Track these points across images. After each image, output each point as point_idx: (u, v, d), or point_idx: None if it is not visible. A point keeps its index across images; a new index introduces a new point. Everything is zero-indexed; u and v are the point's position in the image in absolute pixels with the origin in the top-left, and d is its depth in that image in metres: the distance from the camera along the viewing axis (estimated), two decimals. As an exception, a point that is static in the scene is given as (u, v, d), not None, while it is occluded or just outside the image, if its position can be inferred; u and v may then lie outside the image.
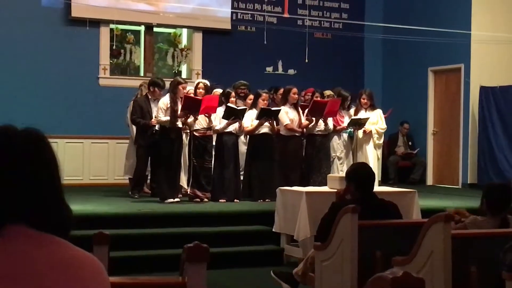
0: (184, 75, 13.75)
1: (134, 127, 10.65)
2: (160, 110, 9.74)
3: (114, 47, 13.33)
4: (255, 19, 14.30)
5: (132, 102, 10.72)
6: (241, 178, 10.43)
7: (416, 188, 8.71)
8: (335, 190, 7.45)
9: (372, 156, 11.04)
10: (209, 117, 9.92)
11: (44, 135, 1.68)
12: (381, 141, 11.36)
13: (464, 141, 13.62)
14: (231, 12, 14.05)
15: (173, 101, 9.65)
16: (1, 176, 1.58)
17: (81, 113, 12.76)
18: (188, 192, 9.96)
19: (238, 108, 10.12)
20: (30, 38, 12.48)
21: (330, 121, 10.75)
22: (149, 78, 11.56)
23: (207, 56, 13.98)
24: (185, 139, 10.08)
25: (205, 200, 9.87)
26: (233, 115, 10.00)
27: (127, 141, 11.25)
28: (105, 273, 1.64)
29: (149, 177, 10.79)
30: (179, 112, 9.63)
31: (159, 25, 13.89)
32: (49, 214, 1.62)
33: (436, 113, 14.46)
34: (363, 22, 14.88)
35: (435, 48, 13.88)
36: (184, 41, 14.25)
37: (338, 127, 10.96)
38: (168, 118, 9.63)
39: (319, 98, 11.01)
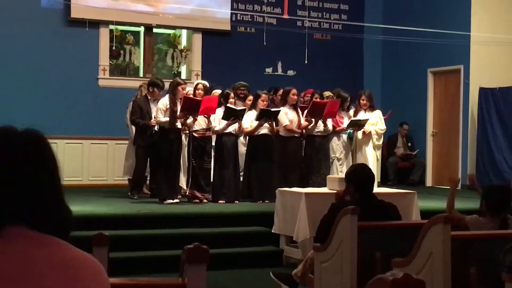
0: (183, 76, 13.76)
1: (133, 128, 10.65)
2: (160, 110, 9.74)
3: (113, 48, 13.33)
4: (255, 20, 14.31)
5: (131, 102, 10.72)
6: (241, 179, 10.43)
7: (415, 189, 8.72)
8: (335, 191, 7.45)
9: (372, 157, 11.05)
10: (208, 118, 9.92)
11: (44, 136, 1.68)
12: (381, 142, 11.37)
13: (463, 142, 13.62)
14: (231, 13, 14.06)
15: (173, 102, 9.66)
16: (1, 176, 1.58)
17: (81, 114, 12.76)
18: (187, 193, 9.96)
19: (238, 108, 10.13)
20: (29, 39, 12.48)
21: (330, 122, 10.75)
22: (149, 79, 11.56)
23: (207, 57, 13.98)
24: (184, 140, 10.08)
25: (204, 201, 9.87)
26: (232, 115, 10.00)
27: (127, 141, 11.26)
28: (105, 274, 1.64)
29: (148, 178, 10.79)
30: (178, 113, 9.64)
31: (158, 26, 13.89)
32: (49, 215, 1.62)
33: (435, 114, 14.47)
34: (362, 23, 14.89)
35: (434, 49, 13.89)
36: (183, 42, 14.25)
37: (338, 128, 10.97)
38: (167, 118, 9.64)
39: (318, 99, 11.01)
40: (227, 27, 14.05)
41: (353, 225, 5.09)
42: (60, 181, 1.67)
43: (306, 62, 13.91)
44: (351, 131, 11.10)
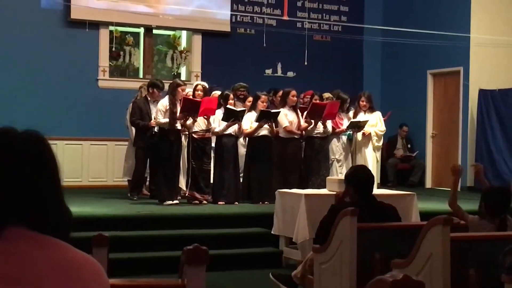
0: (183, 77, 13.76)
1: (133, 129, 10.65)
2: (159, 112, 9.74)
3: (113, 49, 13.32)
4: (255, 21, 14.31)
5: (131, 103, 10.73)
6: (240, 180, 10.44)
7: (415, 191, 8.71)
8: (334, 193, 7.45)
9: (371, 159, 11.05)
10: (208, 119, 9.92)
11: (44, 137, 1.68)
12: (380, 143, 11.37)
13: (463, 144, 13.62)
14: (231, 14, 14.06)
15: (172, 103, 9.66)
16: (1, 177, 1.58)
17: (81, 115, 12.75)
18: (187, 194, 9.96)
19: (238, 109, 10.13)
20: (29, 40, 12.48)
21: (329, 124, 10.76)
22: (149, 80, 11.56)
23: (207, 58, 13.98)
24: (184, 141, 10.08)
25: (204, 202, 9.87)
26: (232, 116, 10.00)
27: (126, 143, 11.26)
28: (104, 275, 1.64)
29: (148, 179, 10.79)
30: (178, 114, 9.64)
31: (158, 27, 13.89)
32: (49, 216, 1.62)
33: (435, 116, 14.47)
34: (362, 25, 14.89)
35: (434, 51, 13.89)
36: (183, 43, 14.25)
37: (337, 130, 10.96)
38: (167, 120, 9.64)
39: (318, 101, 11.01)
40: (227, 28, 14.06)
41: (353, 227, 5.09)
42: (60, 182, 1.67)
43: (305, 63, 13.91)
44: (351, 132, 11.10)
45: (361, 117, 11.10)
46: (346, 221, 5.12)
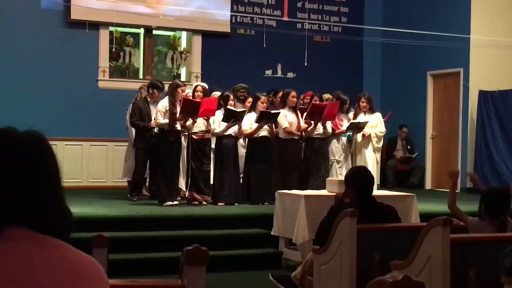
0: (183, 78, 13.75)
1: (133, 130, 10.66)
2: (159, 112, 9.75)
3: (113, 49, 13.33)
4: (255, 22, 14.31)
5: (131, 104, 10.73)
6: (240, 181, 10.44)
7: (414, 192, 8.71)
8: (334, 194, 7.46)
9: (371, 160, 11.05)
10: (207, 120, 9.92)
11: (45, 137, 1.68)
12: (380, 144, 11.36)
13: (463, 145, 13.62)
14: (231, 15, 14.06)
15: (172, 104, 9.66)
16: (1, 177, 1.58)
17: (80, 116, 12.75)
18: (187, 195, 9.96)
19: (238, 110, 10.13)
20: (29, 41, 12.49)
21: (329, 125, 10.76)
22: (148, 81, 11.57)
23: (206, 59, 13.99)
24: (184, 142, 10.08)
25: (204, 203, 9.87)
26: (232, 117, 10.01)
27: (126, 143, 11.26)
28: (104, 275, 1.65)
29: (148, 180, 10.79)
30: (178, 114, 9.64)
31: (158, 28, 13.89)
32: (49, 216, 1.62)
33: (435, 117, 14.47)
34: (362, 26, 14.90)
35: (434, 52, 13.90)
36: (183, 44, 14.26)
37: (337, 131, 10.97)
38: (167, 120, 9.64)
39: (317, 102, 11.01)
40: (227, 29, 14.06)
41: (352, 228, 5.09)
42: (60, 182, 1.67)
43: (305, 64, 13.91)
44: (351, 133, 11.10)
45: (361, 118, 11.10)
46: (346, 222, 5.11)
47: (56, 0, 12.82)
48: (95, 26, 13.09)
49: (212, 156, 10.24)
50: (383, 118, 11.56)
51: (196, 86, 10.26)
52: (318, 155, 10.65)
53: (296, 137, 10.60)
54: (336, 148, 11.02)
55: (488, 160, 13.06)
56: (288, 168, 10.44)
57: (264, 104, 10.48)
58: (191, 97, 9.92)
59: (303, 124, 10.58)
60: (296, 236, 7.55)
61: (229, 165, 10.18)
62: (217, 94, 10.55)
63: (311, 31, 14.67)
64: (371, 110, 11.27)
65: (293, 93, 10.65)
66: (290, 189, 8.78)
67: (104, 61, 13.29)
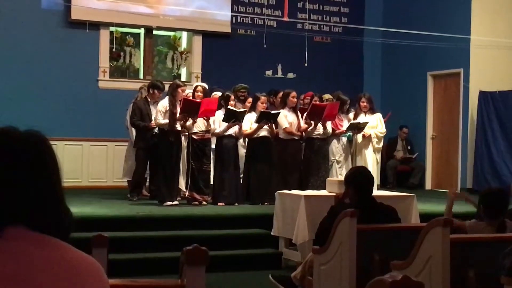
0: (183, 78, 13.75)
1: (133, 130, 10.66)
2: (159, 113, 9.75)
3: (113, 49, 13.33)
4: (255, 22, 14.31)
5: (131, 104, 10.73)
6: (240, 181, 10.44)
7: (414, 193, 8.71)
8: (334, 194, 7.46)
9: (371, 160, 11.05)
10: (207, 120, 9.93)
11: (45, 137, 1.68)
12: (381, 145, 11.36)
13: (463, 146, 13.62)
14: (231, 15, 14.06)
15: (172, 104, 9.66)
16: (2, 177, 1.58)
17: (81, 116, 12.76)
18: (187, 195, 9.96)
19: (238, 110, 10.13)
20: (30, 41, 12.49)
21: (329, 125, 10.76)
22: (149, 81, 11.57)
23: (207, 59, 13.99)
24: (184, 142, 10.08)
25: (204, 203, 9.87)
26: (233, 117, 10.01)
27: (126, 143, 11.26)
28: (104, 275, 1.65)
29: (148, 180, 10.79)
30: (178, 115, 9.64)
31: (158, 28, 13.89)
32: (49, 216, 1.62)
33: (435, 117, 14.47)
34: (362, 26, 14.90)
35: (434, 52, 13.90)
36: (183, 44, 14.26)
37: (337, 131, 10.97)
38: (167, 120, 9.65)
39: (317, 102, 11.01)
40: (227, 29, 14.06)
41: (352, 228, 5.09)
42: (60, 182, 1.67)
43: (306, 64, 13.91)
44: (351, 134, 11.10)
45: (362, 118, 11.11)
46: (346, 223, 5.12)
47: (56, 0, 12.82)
48: (96, 26, 13.09)
49: (212, 156, 10.24)
50: (383, 118, 11.56)
51: (196, 86, 10.26)
52: (318, 155, 10.65)
53: (296, 137, 10.60)
54: (336, 148, 11.02)
55: (489, 160, 13.06)
56: (288, 168, 10.44)
57: (264, 104, 10.48)
58: (191, 97, 9.92)
59: (303, 125, 10.58)
60: (296, 236, 7.55)
61: (229, 165, 10.18)
62: (217, 94, 10.56)
63: (312, 32, 14.67)
64: (372, 111, 11.27)
65: (293, 94, 10.65)
66: (290, 189, 8.78)
67: (104, 61, 13.29)
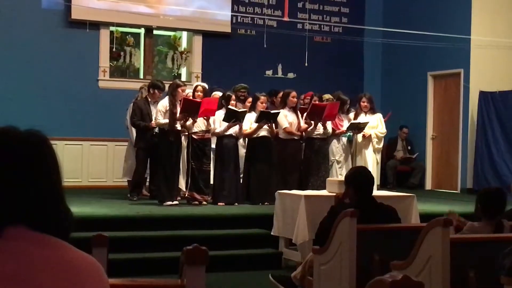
0: (183, 78, 13.76)
1: (133, 130, 10.65)
2: (159, 112, 9.75)
3: (114, 49, 13.33)
4: (255, 22, 14.31)
5: (131, 104, 10.72)
6: (240, 181, 10.44)
7: (414, 193, 8.71)
8: (334, 194, 7.46)
9: (371, 160, 11.05)
10: (207, 120, 9.93)
11: (46, 137, 1.68)
12: (381, 145, 11.36)
13: (463, 146, 13.62)
14: (231, 15, 14.06)
15: (172, 104, 9.66)
16: (2, 176, 1.58)
17: (81, 115, 12.76)
18: (187, 195, 9.96)
19: (239, 110, 10.13)
20: (30, 40, 12.49)
21: (329, 125, 10.76)
22: (149, 81, 11.57)
23: (207, 59, 13.99)
24: (184, 142, 10.08)
25: (204, 203, 9.87)
26: (234, 117, 10.01)
27: (126, 143, 11.26)
28: (104, 274, 1.65)
29: (148, 180, 10.79)
30: (178, 114, 9.64)
31: (159, 28, 13.89)
32: (49, 216, 1.62)
33: (435, 117, 14.47)
34: (363, 26, 14.90)
35: (434, 52, 13.90)
36: (184, 44, 14.26)
37: (337, 131, 10.96)
38: (167, 120, 9.64)
39: (317, 102, 11.01)
40: (228, 29, 14.06)
41: (352, 228, 5.09)
42: (61, 182, 1.67)
43: (306, 64, 13.91)
44: (351, 134, 11.10)
45: (362, 118, 11.11)
46: (346, 223, 5.12)
47: (56, 0, 12.82)
48: (96, 26, 13.10)
49: (212, 156, 10.24)
50: (383, 118, 11.56)
51: (196, 86, 10.26)
52: (318, 155, 10.65)
53: (296, 137, 10.60)
54: (336, 148, 11.02)
55: (489, 160, 13.06)
56: (288, 168, 10.44)
57: (264, 104, 10.48)
58: (191, 97, 9.92)
59: (303, 124, 10.58)
60: (296, 236, 7.55)
61: (230, 165, 10.18)
62: (217, 94, 10.56)
63: (312, 32, 14.67)
64: (372, 111, 11.27)
65: (294, 93, 10.65)
66: (290, 189, 8.77)
67: (104, 61, 13.30)
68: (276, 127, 10.39)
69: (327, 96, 11.39)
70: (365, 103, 11.21)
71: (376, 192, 6.55)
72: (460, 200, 11.63)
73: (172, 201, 9.63)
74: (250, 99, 10.76)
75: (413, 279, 1.94)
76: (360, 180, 5.57)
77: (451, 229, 4.74)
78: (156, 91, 10.56)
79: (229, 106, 10.09)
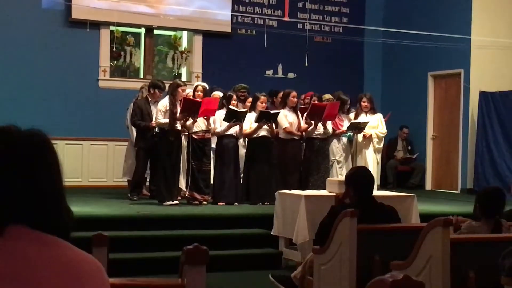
0: (184, 78, 13.76)
1: (133, 129, 10.65)
2: (159, 112, 9.75)
3: (114, 49, 13.33)
4: (256, 22, 14.31)
5: (132, 104, 10.72)
6: (240, 181, 10.44)
7: (415, 193, 8.71)
8: (334, 194, 7.46)
9: (372, 160, 11.04)
10: (207, 119, 9.93)
11: (47, 136, 1.68)
12: (381, 145, 11.36)
13: (463, 146, 13.63)
14: (232, 15, 14.06)
15: (172, 104, 9.66)
16: (2, 175, 1.58)
17: (81, 115, 12.77)
18: (187, 195, 9.96)
19: (240, 110, 10.13)
20: (30, 40, 12.49)
21: (329, 125, 10.76)
22: (149, 81, 11.56)
23: (207, 59, 13.99)
24: (184, 141, 10.08)
25: (204, 202, 9.87)
26: (234, 117, 10.01)
27: (127, 143, 11.26)
28: (105, 274, 1.64)
29: (148, 180, 10.79)
30: (178, 114, 9.64)
31: (159, 28, 13.89)
32: (50, 215, 1.62)
33: (435, 118, 14.47)
34: (363, 26, 14.89)
35: (435, 53, 13.90)
36: (184, 44, 14.26)
37: (338, 131, 10.96)
38: (167, 120, 9.64)
39: (316, 102, 11.01)
40: (228, 29, 14.06)
41: (353, 228, 5.09)
42: (61, 181, 1.67)
43: (306, 64, 13.91)
44: (351, 134, 11.10)
45: (363, 118, 11.10)
46: (346, 223, 5.11)
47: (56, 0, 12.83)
48: (96, 25, 13.09)
49: (212, 156, 10.24)
50: (383, 118, 11.56)
51: (196, 86, 10.27)
52: (319, 155, 10.65)
53: (296, 137, 10.59)
54: (336, 148, 11.02)
55: (489, 161, 13.07)
56: (288, 168, 10.43)
57: (264, 104, 10.48)
58: (191, 97, 9.92)
59: (303, 124, 10.58)
60: (296, 236, 7.55)
61: (230, 165, 10.18)
62: (217, 94, 10.56)
63: (312, 32, 14.66)
64: (373, 111, 11.27)
65: (294, 93, 10.65)
66: (290, 189, 8.77)
67: (104, 60, 13.30)
68: (276, 127, 10.39)
69: (327, 96, 11.39)
70: (366, 103, 11.20)
71: (376, 192, 6.55)
72: (460, 200, 11.63)
73: (172, 201, 9.63)
74: (250, 99, 10.76)
75: (413, 279, 1.94)
76: (360, 180, 5.57)
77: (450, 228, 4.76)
78: (156, 91, 10.56)
79: (230, 106, 10.09)
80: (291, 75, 14.66)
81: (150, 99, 10.56)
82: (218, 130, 10.14)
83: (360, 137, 11.07)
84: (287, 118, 10.45)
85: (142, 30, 13.94)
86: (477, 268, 4.49)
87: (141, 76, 13.83)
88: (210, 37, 14.00)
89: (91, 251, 3.34)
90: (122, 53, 13.62)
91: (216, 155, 10.26)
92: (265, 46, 13.56)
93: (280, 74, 14.65)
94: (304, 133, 10.63)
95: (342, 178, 6.94)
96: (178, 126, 9.72)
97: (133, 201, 10.12)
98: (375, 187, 6.04)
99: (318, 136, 10.67)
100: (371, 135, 11.06)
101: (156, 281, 3.62)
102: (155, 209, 9.24)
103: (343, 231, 5.16)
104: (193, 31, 14.04)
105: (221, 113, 10.11)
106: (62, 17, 12.90)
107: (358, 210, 5.12)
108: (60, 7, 12.85)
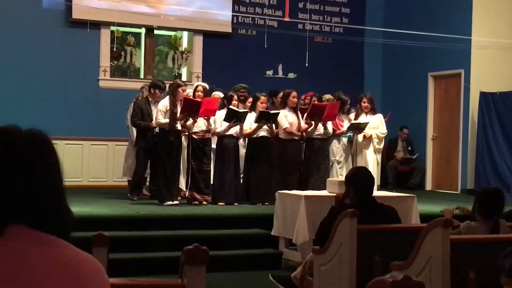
0: (184, 78, 13.76)
1: (134, 129, 10.66)
2: (160, 112, 9.75)
3: (114, 49, 13.33)
4: (256, 22, 14.31)
5: (132, 104, 10.73)
6: (240, 181, 10.44)
7: (415, 193, 8.71)
8: (334, 194, 7.46)
9: (372, 161, 11.04)
10: (208, 119, 9.93)
11: (48, 136, 1.68)
12: (381, 145, 11.36)
13: (463, 147, 13.62)
14: (232, 15, 14.06)
15: (173, 104, 9.66)
16: (3, 175, 1.58)
17: (81, 115, 12.77)
18: (187, 195, 9.96)
19: (240, 110, 10.13)
20: (30, 40, 12.49)
21: (330, 125, 10.76)
22: (149, 81, 11.57)
23: (208, 59, 13.99)
24: (184, 141, 10.08)
25: (204, 203, 9.87)
26: (234, 117, 10.01)
27: (127, 143, 11.26)
28: (105, 274, 1.64)
29: (148, 180, 10.79)
30: (178, 114, 9.64)
31: (159, 28, 13.89)
32: (50, 215, 1.62)
33: (435, 118, 14.47)
34: (363, 27, 14.90)
35: (435, 53, 13.89)
36: (184, 44, 14.26)
37: (338, 131, 10.96)
38: (167, 120, 9.65)
39: (316, 102, 11.01)
40: (228, 29, 14.06)
41: (353, 228, 5.09)
42: (62, 182, 1.67)
43: (306, 65, 13.91)
44: (351, 134, 11.10)
45: (363, 118, 11.10)
46: (346, 223, 5.11)
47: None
48: (96, 25, 13.10)
49: (212, 156, 10.25)
50: (383, 118, 11.56)
51: (196, 86, 10.27)
52: (319, 156, 10.65)
53: (296, 138, 10.60)
54: (336, 148, 11.02)
55: (489, 161, 13.07)
56: (288, 168, 10.44)
57: (264, 104, 10.48)
58: (191, 97, 9.93)
59: (303, 125, 10.58)
60: (296, 236, 7.55)
61: (230, 165, 10.18)
62: (217, 94, 10.56)
63: (312, 32, 14.67)
64: (373, 111, 11.27)
65: (294, 94, 10.65)
66: (290, 189, 8.77)
67: (105, 60, 13.30)
68: (276, 127, 10.39)
69: (327, 96, 11.38)
70: (366, 104, 11.20)
71: (376, 193, 6.55)
72: (460, 200, 11.61)
73: (172, 201, 9.63)
74: (250, 99, 10.76)
75: (413, 280, 1.94)
76: (361, 180, 5.57)
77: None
78: (156, 91, 10.57)
79: (230, 106, 10.09)
80: (291, 75, 14.66)
81: (150, 99, 10.56)
82: (218, 130, 10.14)
83: (360, 137, 11.07)
84: (287, 118, 10.45)
85: (143, 30, 13.95)
86: (477, 268, 4.49)
87: (142, 76, 13.83)
88: (211, 37, 14.00)
89: (91, 251, 3.34)
90: (123, 53, 13.62)
91: (216, 155, 10.26)
92: (266, 46, 13.57)
93: (280, 74, 14.65)
94: (304, 133, 10.63)
95: (342, 178, 6.94)
96: (178, 126, 9.72)
97: (133, 201, 10.12)
98: (375, 187, 6.04)
99: (318, 137, 10.67)
100: (371, 135, 11.06)
101: (156, 281, 3.62)
102: (155, 209, 9.24)
103: (343, 232, 5.16)
104: (194, 31, 14.05)
105: (221, 113, 10.11)
106: (63, 17, 12.91)
107: (358, 210, 5.12)
108: (61, 7, 12.86)
